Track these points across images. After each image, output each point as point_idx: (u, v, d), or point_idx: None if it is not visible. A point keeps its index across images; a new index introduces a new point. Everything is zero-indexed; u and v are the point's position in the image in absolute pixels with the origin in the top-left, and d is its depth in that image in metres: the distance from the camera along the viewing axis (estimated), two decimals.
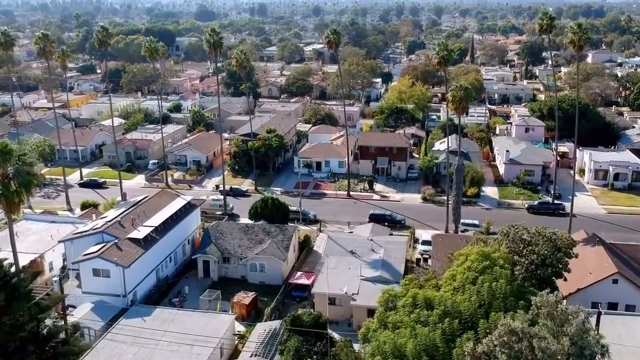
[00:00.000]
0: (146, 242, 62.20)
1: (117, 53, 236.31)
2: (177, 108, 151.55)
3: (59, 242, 64.64)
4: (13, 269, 36.18)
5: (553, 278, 51.56)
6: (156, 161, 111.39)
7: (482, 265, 42.86)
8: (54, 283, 55.61)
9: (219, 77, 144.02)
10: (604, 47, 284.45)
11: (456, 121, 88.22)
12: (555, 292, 34.49)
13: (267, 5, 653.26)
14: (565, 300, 48.43)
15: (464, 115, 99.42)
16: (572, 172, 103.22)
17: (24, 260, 62.40)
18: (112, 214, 68.67)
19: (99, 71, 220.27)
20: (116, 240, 60.70)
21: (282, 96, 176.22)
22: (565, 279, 52.19)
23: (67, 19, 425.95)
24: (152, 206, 70.13)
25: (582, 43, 74.56)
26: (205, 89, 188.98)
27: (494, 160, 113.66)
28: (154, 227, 64.25)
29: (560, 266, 51.51)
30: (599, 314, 39.43)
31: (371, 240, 68.56)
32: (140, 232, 62.83)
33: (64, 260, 66.35)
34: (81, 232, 63.83)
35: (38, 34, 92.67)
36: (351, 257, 65.41)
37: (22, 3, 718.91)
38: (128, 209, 68.70)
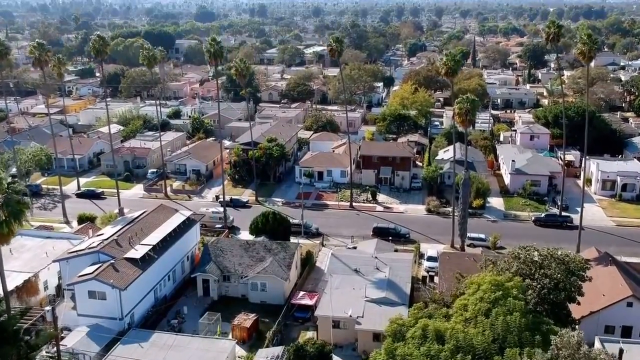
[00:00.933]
0: (144, 262, 60.15)
1: (116, 56, 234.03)
2: (176, 114, 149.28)
3: (54, 261, 62.55)
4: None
5: (566, 302, 49.79)
6: (155, 170, 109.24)
7: (495, 295, 40.96)
8: (47, 313, 53.36)
9: (219, 82, 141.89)
10: (606, 49, 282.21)
11: (460, 128, 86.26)
12: (577, 332, 32.51)
13: (267, 6, 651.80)
14: (578, 327, 46.55)
15: (470, 127, 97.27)
16: (578, 181, 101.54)
17: (18, 280, 60.69)
18: (108, 231, 66.52)
19: (98, 74, 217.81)
20: (113, 261, 58.63)
21: (282, 101, 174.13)
22: (578, 302, 50.28)
23: (67, 21, 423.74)
24: (150, 223, 67.99)
25: (593, 54, 72.54)
26: (205, 94, 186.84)
27: (499, 169, 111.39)
28: (151, 246, 62.20)
29: (574, 290, 49.72)
30: (621, 351, 37.48)
31: (376, 257, 66.55)
32: (138, 252, 60.75)
33: (59, 278, 64.34)
34: (77, 252, 61.71)
35: (33, 44, 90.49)
36: (355, 275, 63.38)
37: (22, 4, 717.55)
38: (125, 226, 66.58)
